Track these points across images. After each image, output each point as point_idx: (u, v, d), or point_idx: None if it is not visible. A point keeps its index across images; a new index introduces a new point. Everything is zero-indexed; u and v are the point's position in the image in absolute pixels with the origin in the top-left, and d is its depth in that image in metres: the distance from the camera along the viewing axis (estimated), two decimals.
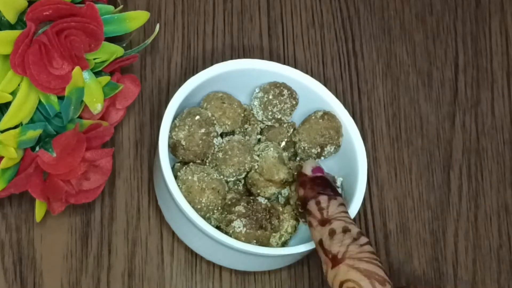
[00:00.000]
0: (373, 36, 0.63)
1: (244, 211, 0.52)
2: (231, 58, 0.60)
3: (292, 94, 0.55)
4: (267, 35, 0.62)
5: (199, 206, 0.51)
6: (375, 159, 0.61)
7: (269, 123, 0.55)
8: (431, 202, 0.61)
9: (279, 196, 0.55)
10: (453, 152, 0.62)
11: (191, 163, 0.53)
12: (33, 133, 0.49)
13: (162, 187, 0.52)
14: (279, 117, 0.55)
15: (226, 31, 0.62)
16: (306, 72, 0.56)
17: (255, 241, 0.51)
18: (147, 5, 0.61)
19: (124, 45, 0.52)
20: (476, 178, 0.62)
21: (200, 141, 0.52)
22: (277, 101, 0.54)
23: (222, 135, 0.55)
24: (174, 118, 0.53)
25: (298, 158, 0.56)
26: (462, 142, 0.62)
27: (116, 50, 0.51)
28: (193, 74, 0.53)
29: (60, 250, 0.55)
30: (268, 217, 0.52)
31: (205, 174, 0.52)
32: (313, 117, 0.55)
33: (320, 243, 0.48)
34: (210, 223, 0.52)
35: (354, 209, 0.52)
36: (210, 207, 0.51)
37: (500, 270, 0.60)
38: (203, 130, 0.52)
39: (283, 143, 0.56)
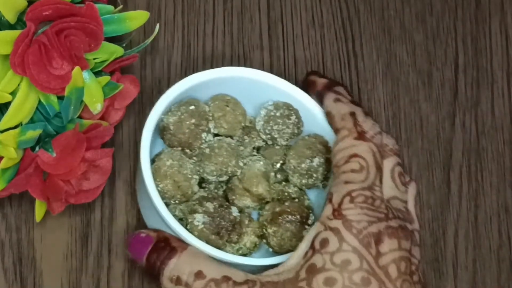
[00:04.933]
0: (373, 36, 0.63)
1: (212, 210, 0.51)
2: (231, 58, 0.60)
3: (298, 124, 0.54)
4: (267, 35, 0.62)
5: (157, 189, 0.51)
6: None
7: (264, 137, 0.55)
8: (431, 202, 0.61)
9: (253, 211, 0.54)
10: (453, 152, 0.62)
11: (179, 148, 0.52)
12: (33, 133, 0.49)
13: (140, 172, 0.52)
14: (275, 136, 0.54)
15: (226, 31, 0.62)
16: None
17: (205, 242, 0.50)
18: (147, 5, 0.61)
19: (124, 45, 0.52)
20: (476, 178, 0.62)
21: (187, 130, 0.52)
22: (281, 121, 0.54)
23: (217, 136, 0.54)
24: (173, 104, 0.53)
25: (289, 184, 0.55)
26: (462, 142, 0.62)
27: (116, 50, 0.51)
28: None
29: (60, 250, 0.55)
30: (230, 229, 0.51)
31: (179, 164, 0.51)
32: (300, 138, 0.54)
33: (352, 114, 0.50)
34: (174, 212, 0.52)
35: None
36: (166, 195, 0.51)
37: (500, 270, 0.60)
38: (193, 120, 0.52)
39: (278, 165, 0.55)
